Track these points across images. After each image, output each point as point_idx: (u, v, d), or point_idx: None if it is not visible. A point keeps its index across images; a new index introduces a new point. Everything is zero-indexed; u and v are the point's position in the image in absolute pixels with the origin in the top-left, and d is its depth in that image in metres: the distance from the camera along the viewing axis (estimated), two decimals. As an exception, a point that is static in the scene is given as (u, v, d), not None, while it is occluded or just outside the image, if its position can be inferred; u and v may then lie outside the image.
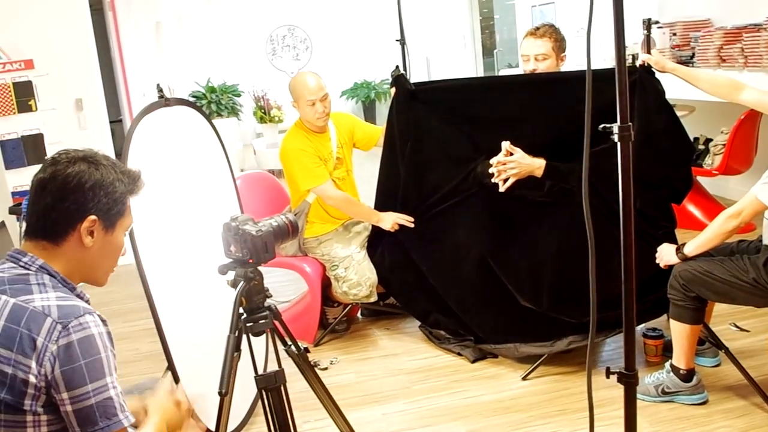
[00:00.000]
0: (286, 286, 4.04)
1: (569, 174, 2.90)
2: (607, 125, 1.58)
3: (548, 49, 3.05)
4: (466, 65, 9.22)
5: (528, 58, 3.10)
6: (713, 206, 4.67)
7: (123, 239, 1.50)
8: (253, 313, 1.91)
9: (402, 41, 3.51)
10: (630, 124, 1.57)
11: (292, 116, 7.25)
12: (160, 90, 2.36)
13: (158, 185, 2.21)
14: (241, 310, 1.90)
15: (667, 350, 3.02)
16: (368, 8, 9.58)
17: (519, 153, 2.90)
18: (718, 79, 2.78)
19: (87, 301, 1.42)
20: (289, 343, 1.99)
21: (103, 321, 1.37)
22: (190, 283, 2.45)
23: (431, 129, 3.22)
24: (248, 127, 9.45)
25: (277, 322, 1.96)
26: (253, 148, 8.33)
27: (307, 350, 2.00)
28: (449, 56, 9.42)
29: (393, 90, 3.26)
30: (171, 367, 2.26)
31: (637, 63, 2.83)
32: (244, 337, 1.89)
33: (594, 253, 1.65)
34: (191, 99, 8.54)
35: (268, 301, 1.94)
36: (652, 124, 2.79)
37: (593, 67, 1.62)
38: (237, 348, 1.88)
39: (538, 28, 3.08)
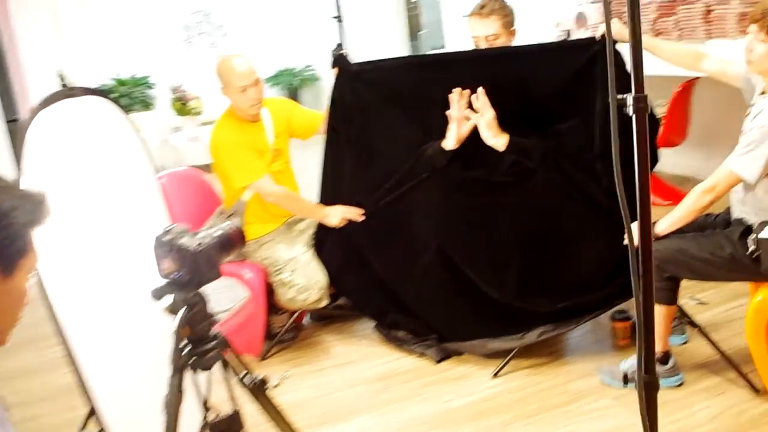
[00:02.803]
0: (222, 294, 3.67)
1: (533, 150, 2.69)
2: (621, 96, 1.34)
3: (498, 28, 2.80)
4: (394, 49, 8.95)
5: (478, 39, 2.84)
6: (654, 181, 4.60)
7: (26, 284, 1.12)
8: (199, 344, 1.59)
9: (338, 17, 3.20)
10: (646, 94, 1.33)
11: (212, 107, 6.80)
12: (62, 78, 1.95)
13: (65, 191, 1.84)
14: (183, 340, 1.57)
15: (635, 332, 2.91)
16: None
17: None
18: (681, 49, 2.66)
19: None
20: (243, 373, 1.68)
21: None
22: (113, 308, 2.07)
23: (378, 112, 2.94)
24: (164, 121, 8.93)
25: (228, 351, 1.64)
26: (171, 144, 7.85)
27: (263, 381, 1.69)
28: (377, 40, 9.15)
29: (334, 71, 2.96)
30: (94, 410, 1.90)
31: (597, 35, 2.63)
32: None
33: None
34: (101, 94, 7.92)
35: (216, 329, 1.62)
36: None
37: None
38: (180, 388, 1.56)
39: (483, 6, 2.81)
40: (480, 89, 2.64)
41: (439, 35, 8.48)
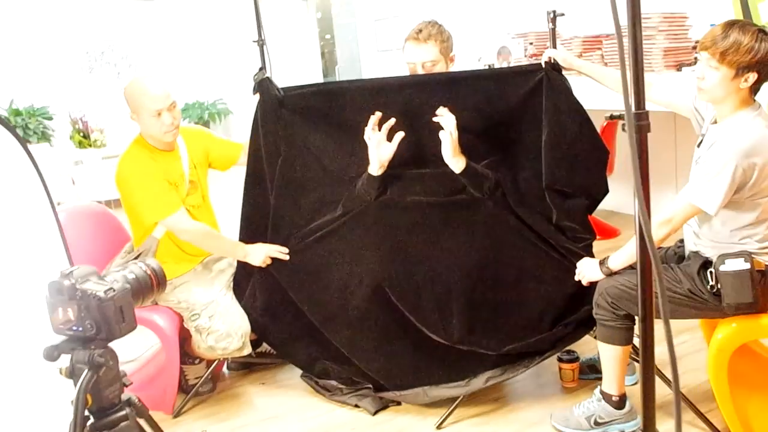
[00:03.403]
0: (130, 342, 3.29)
1: (486, 179, 2.52)
2: (615, 113, 1.16)
3: (436, 54, 2.62)
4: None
5: (414, 66, 2.66)
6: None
7: None
8: (106, 413, 1.28)
9: (261, 41, 2.95)
10: (646, 111, 1.16)
11: (116, 141, 6.35)
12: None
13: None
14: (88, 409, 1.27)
15: (582, 373, 2.80)
16: (198, 24, 8.88)
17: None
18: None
19: None
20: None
21: None
22: None
23: (305, 141, 2.70)
24: (64, 154, 8.36)
25: (142, 421, 1.34)
26: (72, 178, 7.32)
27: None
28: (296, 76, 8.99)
29: (257, 97, 2.71)
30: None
31: (542, 60, 2.50)
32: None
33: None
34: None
35: (128, 393, 1.32)
36: (563, 126, 2.47)
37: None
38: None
39: (420, 31, 2.64)
40: (441, 109, 2.44)
41: (356, 71, 8.40)
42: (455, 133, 2.43)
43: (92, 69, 8.58)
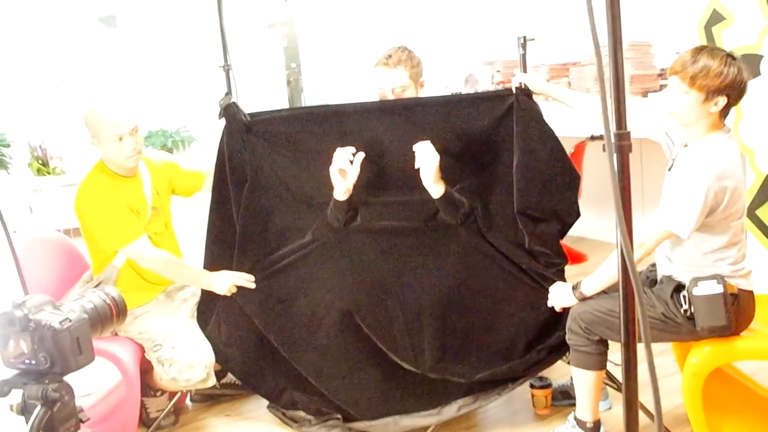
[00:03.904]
0: (87, 374, 3.16)
1: (461, 206, 2.49)
2: (596, 135, 1.14)
3: (406, 80, 2.59)
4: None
5: (383, 92, 2.62)
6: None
7: None
8: (61, 453, 1.20)
9: (227, 66, 2.90)
10: (628, 131, 1.13)
11: (75, 169, 6.19)
12: None
13: None
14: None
15: (555, 399, 2.76)
16: (161, 51, 8.79)
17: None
18: (596, 101, 2.56)
19: None
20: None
21: None
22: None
23: (272, 167, 2.64)
24: (21, 182, 8.15)
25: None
26: (29, 206, 7.15)
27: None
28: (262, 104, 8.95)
29: (222, 122, 2.65)
30: None
31: (513, 85, 2.50)
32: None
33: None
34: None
35: (85, 430, 1.24)
36: (534, 151, 2.47)
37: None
38: None
39: (390, 56, 2.61)
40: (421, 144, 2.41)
41: (322, 99, 8.39)
42: (436, 158, 2.39)
43: (52, 96, 8.41)
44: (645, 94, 3.82)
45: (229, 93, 2.80)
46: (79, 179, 2.73)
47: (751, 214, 3.21)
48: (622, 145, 1.11)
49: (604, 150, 1.12)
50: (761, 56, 3.08)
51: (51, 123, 8.12)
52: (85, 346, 1.22)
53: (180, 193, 2.93)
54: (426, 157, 2.39)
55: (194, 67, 8.38)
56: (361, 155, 2.46)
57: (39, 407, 1.17)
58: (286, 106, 9.19)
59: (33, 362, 1.19)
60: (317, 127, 2.60)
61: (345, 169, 2.45)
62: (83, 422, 1.25)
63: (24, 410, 1.18)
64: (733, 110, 2.15)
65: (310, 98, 9.22)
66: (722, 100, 2.04)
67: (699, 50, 2.06)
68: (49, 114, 8.34)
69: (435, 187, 2.44)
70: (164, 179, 2.83)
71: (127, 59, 8.89)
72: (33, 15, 8.27)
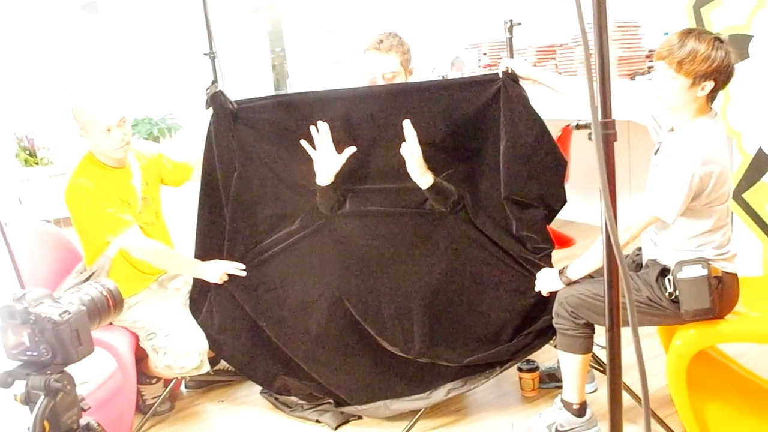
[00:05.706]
0: (83, 363, 3.17)
1: (451, 194, 2.52)
2: (581, 122, 1.17)
3: (397, 65, 2.60)
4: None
5: (374, 77, 2.63)
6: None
7: None
8: (64, 441, 1.23)
9: (212, 54, 2.90)
10: (613, 119, 1.16)
11: (63, 158, 6.16)
12: None
13: None
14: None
15: (542, 382, 2.81)
16: (146, 38, 8.72)
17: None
18: (582, 86, 2.57)
19: None
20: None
21: None
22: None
23: (261, 155, 2.66)
24: (10, 173, 8.10)
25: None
26: (18, 197, 7.11)
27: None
28: (247, 90, 8.90)
29: (209, 111, 2.66)
30: None
31: (500, 70, 2.51)
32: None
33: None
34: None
35: (86, 418, 1.27)
36: (521, 137, 2.47)
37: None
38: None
39: (381, 42, 2.61)
40: (406, 121, 2.39)
41: (308, 83, 8.36)
42: (417, 152, 2.40)
43: (37, 85, 8.34)
44: (633, 77, 3.79)
45: (215, 81, 2.80)
46: (68, 169, 2.74)
47: (738, 198, 3.21)
48: (607, 134, 1.14)
49: (589, 139, 1.15)
50: (751, 36, 3.06)
51: (36, 112, 8.06)
52: (85, 338, 1.25)
53: (169, 183, 2.94)
54: (408, 152, 2.41)
55: (178, 53, 8.33)
56: (352, 149, 2.48)
57: (42, 397, 1.20)
58: (272, 90, 9.15)
59: (35, 354, 1.22)
60: (304, 113, 2.57)
61: (320, 149, 2.47)
62: (85, 410, 1.28)
63: (28, 400, 1.21)
64: (721, 93, 2.15)
65: (296, 82, 9.19)
66: (709, 85, 2.03)
67: (686, 34, 2.05)
68: (34, 103, 8.29)
69: (422, 179, 2.46)
70: (153, 169, 2.84)
71: (110, 46, 8.81)
72: (15, 4, 8.17)
